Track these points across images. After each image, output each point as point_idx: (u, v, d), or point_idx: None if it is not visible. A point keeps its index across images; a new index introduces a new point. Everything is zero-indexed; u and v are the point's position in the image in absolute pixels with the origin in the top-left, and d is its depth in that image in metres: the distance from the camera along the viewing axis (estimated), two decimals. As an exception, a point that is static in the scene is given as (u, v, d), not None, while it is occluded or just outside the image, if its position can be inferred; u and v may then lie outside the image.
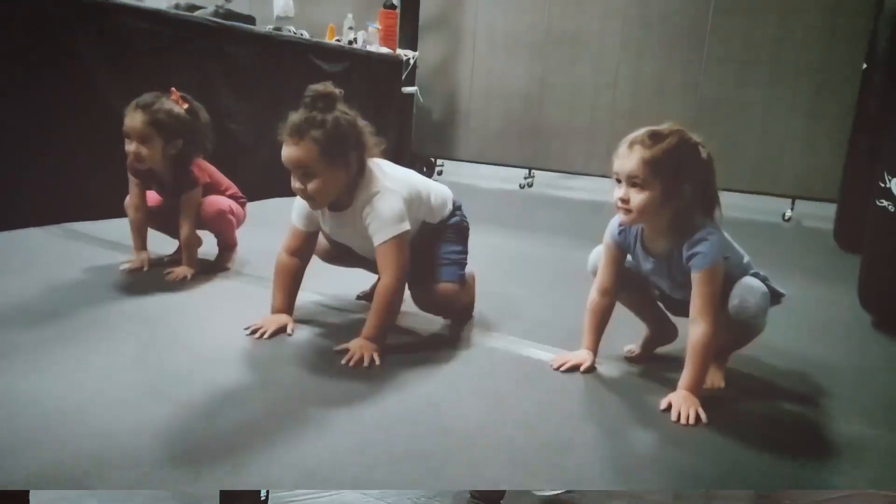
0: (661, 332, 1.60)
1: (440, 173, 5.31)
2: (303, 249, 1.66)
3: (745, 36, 4.06)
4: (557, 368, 1.48)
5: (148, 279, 1.96)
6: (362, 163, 1.52)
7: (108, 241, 2.33)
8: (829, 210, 3.52)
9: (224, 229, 2.14)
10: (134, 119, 1.89)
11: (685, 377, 1.32)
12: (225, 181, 2.20)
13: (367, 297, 1.91)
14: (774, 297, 1.44)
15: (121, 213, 2.21)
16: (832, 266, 2.89)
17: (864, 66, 3.15)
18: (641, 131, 1.32)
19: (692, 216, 1.35)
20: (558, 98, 4.75)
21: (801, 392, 1.47)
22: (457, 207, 1.76)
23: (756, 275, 1.43)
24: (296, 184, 1.48)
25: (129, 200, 2.05)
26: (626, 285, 1.52)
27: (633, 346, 1.59)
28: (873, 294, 1.96)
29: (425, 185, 1.69)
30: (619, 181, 1.33)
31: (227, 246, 2.18)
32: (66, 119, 2.51)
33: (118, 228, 2.27)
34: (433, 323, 1.75)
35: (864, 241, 2.00)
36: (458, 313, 1.78)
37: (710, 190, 1.35)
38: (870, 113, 3.08)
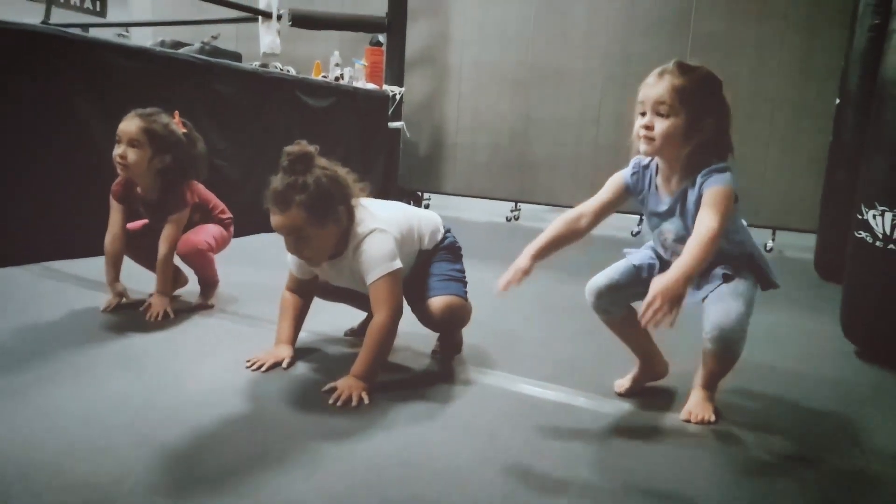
0: (652, 366, 1.60)
1: (427, 206, 5.33)
2: (304, 290, 1.70)
3: (723, 72, 4.14)
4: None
5: (131, 319, 1.93)
6: (351, 212, 1.53)
7: (89, 281, 2.30)
8: (810, 240, 3.58)
9: (203, 266, 2.11)
10: (130, 124, 1.91)
11: (680, 262, 1.20)
12: (214, 200, 2.20)
13: (355, 333, 1.90)
14: (768, 285, 1.43)
15: (102, 252, 2.19)
16: (814, 296, 2.93)
17: (837, 101, 3.25)
18: (671, 63, 1.34)
19: (709, 158, 1.34)
20: (543, 133, 4.83)
21: (789, 424, 1.47)
22: (447, 230, 1.79)
23: (751, 259, 1.43)
24: (291, 248, 1.51)
25: (108, 230, 2.01)
26: (622, 308, 1.51)
27: (623, 381, 1.59)
28: (856, 324, 1.99)
29: (416, 216, 1.71)
30: (643, 114, 1.34)
31: (207, 283, 2.16)
32: (49, 156, 2.51)
33: (100, 267, 2.25)
34: (423, 359, 1.74)
35: (845, 271, 2.03)
36: (458, 331, 1.77)
37: (726, 133, 1.36)
38: (844, 146, 3.16)
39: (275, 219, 1.45)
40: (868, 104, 2.71)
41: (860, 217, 1.93)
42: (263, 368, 1.57)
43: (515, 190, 4.97)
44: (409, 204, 4.87)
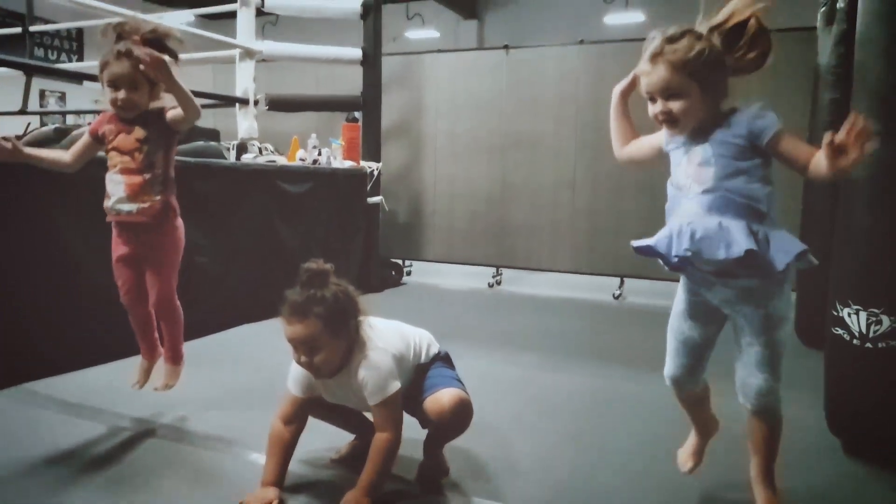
0: (708, 429, 1.63)
1: (409, 273, 5.34)
2: (300, 416, 1.70)
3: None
4: None
5: (111, 449, 1.89)
6: (358, 327, 1.60)
7: (69, 404, 2.25)
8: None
9: (172, 320, 2.05)
10: (121, 66, 1.84)
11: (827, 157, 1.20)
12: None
13: (343, 458, 1.87)
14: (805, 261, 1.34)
15: (83, 365, 2.14)
16: (798, 369, 2.91)
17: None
18: (656, 41, 1.33)
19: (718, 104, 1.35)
20: (520, 198, 4.91)
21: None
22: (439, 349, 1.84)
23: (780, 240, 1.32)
24: (301, 358, 1.54)
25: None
26: (700, 384, 1.55)
27: (686, 458, 1.63)
28: (840, 420, 2.00)
29: (411, 333, 1.78)
30: (652, 100, 1.34)
31: (174, 351, 2.09)
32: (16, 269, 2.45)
33: (79, 385, 2.21)
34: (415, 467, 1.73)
35: (825, 366, 2.06)
36: (459, 432, 1.73)
37: (725, 73, 1.35)
38: (816, 215, 3.24)
39: (291, 329, 1.51)
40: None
41: (835, 314, 1.97)
42: (251, 516, 1.55)
43: (495, 255, 5.00)
44: (391, 274, 4.95)
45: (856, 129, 1.17)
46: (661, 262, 1.45)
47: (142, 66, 1.78)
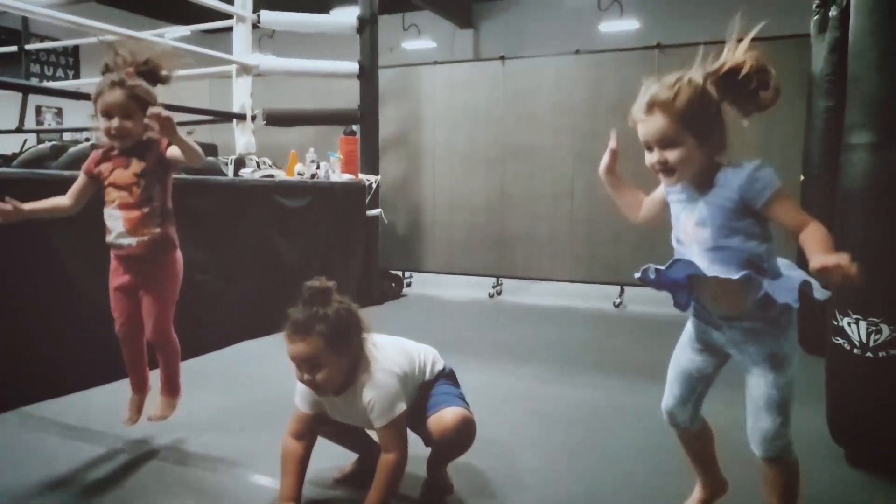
0: (714, 484, 1.61)
1: (409, 285, 5.35)
2: (310, 431, 1.70)
3: (688, 144, 4.30)
4: None
5: (113, 472, 1.88)
6: (361, 345, 1.60)
7: (70, 427, 2.25)
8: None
9: (170, 352, 2.04)
10: (114, 95, 1.85)
11: (813, 245, 1.20)
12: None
13: (346, 478, 1.87)
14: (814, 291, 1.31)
15: (83, 386, 2.12)
16: (800, 376, 2.94)
17: (802, 177, 3.36)
18: (652, 90, 1.31)
19: (715, 156, 1.34)
20: (519, 208, 4.92)
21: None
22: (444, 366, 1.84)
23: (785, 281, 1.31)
24: (304, 376, 1.55)
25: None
26: (697, 422, 1.55)
27: None
28: (842, 430, 2.00)
29: (416, 350, 1.78)
30: (649, 148, 1.34)
31: (171, 383, 2.07)
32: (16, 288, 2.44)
33: (80, 407, 2.21)
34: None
35: (827, 376, 2.06)
36: (462, 451, 1.74)
37: (724, 127, 1.34)
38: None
39: (294, 347, 1.52)
40: (832, 179, 2.81)
41: (835, 323, 1.97)
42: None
43: (495, 265, 5.01)
44: (392, 285, 4.95)
45: (841, 271, 1.15)
46: (674, 301, 1.47)
47: (147, 122, 1.77)
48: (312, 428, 1.70)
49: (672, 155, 1.32)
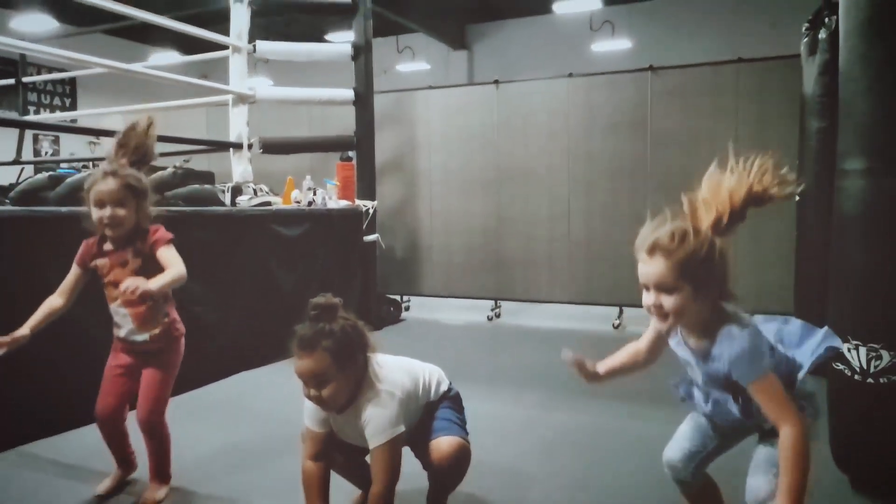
0: None
1: (407, 309, 5.33)
2: (325, 451, 1.68)
3: (681, 165, 4.32)
4: None
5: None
6: (366, 363, 1.60)
7: (68, 466, 2.22)
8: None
9: (161, 437, 1.96)
10: (107, 184, 1.85)
11: (781, 488, 1.22)
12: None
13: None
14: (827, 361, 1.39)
15: (81, 423, 2.07)
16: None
17: (796, 198, 3.37)
18: (657, 233, 1.32)
19: (716, 305, 1.34)
20: (516, 230, 4.92)
21: None
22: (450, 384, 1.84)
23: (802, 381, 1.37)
24: (310, 392, 1.55)
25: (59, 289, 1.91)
26: (701, 478, 1.54)
27: None
28: (846, 456, 1.99)
29: (421, 370, 1.78)
30: (646, 288, 1.33)
31: (161, 470, 1.97)
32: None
33: (78, 445, 2.18)
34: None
35: (829, 402, 2.04)
36: (457, 481, 1.72)
37: (727, 275, 1.34)
38: (809, 242, 3.27)
39: (300, 363, 1.52)
40: (826, 199, 2.83)
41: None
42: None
43: (493, 288, 5.00)
44: (390, 310, 4.93)
45: None
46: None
47: (128, 293, 1.73)
48: (327, 447, 1.68)
49: (668, 301, 1.31)
